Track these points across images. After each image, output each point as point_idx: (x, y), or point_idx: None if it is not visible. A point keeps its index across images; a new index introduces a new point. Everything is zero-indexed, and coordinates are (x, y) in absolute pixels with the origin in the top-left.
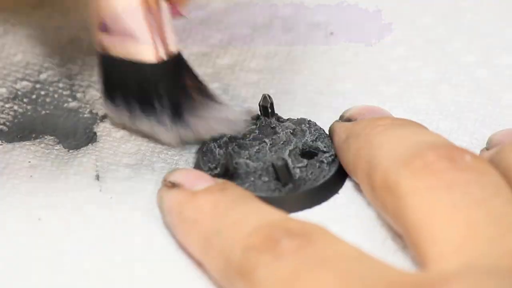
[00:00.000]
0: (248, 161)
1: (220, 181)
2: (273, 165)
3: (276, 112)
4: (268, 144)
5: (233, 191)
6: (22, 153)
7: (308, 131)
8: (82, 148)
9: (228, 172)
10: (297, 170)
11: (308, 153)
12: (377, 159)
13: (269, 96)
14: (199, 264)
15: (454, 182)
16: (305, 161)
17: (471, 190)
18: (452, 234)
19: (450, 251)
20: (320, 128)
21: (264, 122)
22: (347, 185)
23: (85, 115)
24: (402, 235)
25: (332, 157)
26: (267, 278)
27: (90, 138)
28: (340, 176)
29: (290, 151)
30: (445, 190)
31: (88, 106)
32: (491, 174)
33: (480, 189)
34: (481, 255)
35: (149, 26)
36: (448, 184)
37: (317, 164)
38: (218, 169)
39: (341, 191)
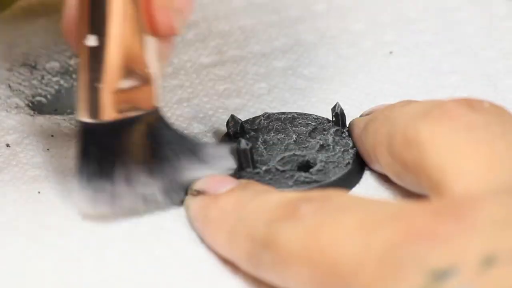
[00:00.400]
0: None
1: (244, 181)
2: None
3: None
4: (292, 140)
5: (254, 186)
6: (49, 126)
7: (333, 150)
8: None
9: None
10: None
11: (306, 165)
12: (396, 126)
13: (338, 106)
14: (227, 262)
15: (474, 123)
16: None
17: (491, 128)
18: (475, 167)
19: (473, 181)
20: (352, 159)
21: (324, 126)
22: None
23: None
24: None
25: (307, 179)
26: (290, 241)
27: None
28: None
29: (295, 156)
30: (465, 130)
31: None
32: (510, 115)
33: (500, 125)
34: (506, 181)
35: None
36: (468, 126)
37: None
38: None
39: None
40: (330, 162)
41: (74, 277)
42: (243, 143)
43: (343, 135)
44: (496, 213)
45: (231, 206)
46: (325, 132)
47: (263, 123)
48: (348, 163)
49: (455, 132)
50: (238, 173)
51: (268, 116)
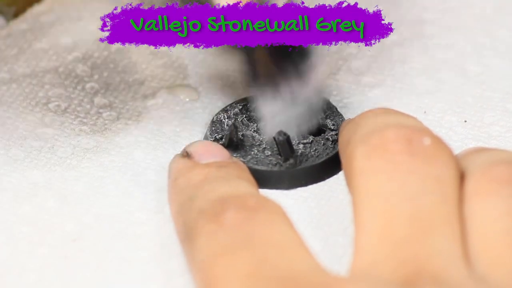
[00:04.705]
0: (254, 133)
1: (230, 159)
2: (274, 139)
3: None
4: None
5: (229, 170)
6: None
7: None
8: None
9: (232, 143)
10: (301, 146)
11: (317, 130)
12: (352, 137)
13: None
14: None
15: (400, 168)
16: (311, 138)
17: (410, 182)
18: (372, 229)
19: (365, 246)
20: (333, 106)
21: None
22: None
23: None
24: None
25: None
26: (203, 248)
27: None
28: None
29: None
30: (388, 176)
31: None
32: (441, 163)
33: (420, 181)
34: (383, 259)
35: None
36: (393, 169)
37: (322, 142)
38: (224, 140)
39: (342, 172)
40: (330, 115)
41: None
42: (277, 133)
43: None
44: None
45: (196, 181)
46: None
47: (230, 123)
48: (337, 109)
49: (380, 174)
50: (282, 164)
51: (228, 116)
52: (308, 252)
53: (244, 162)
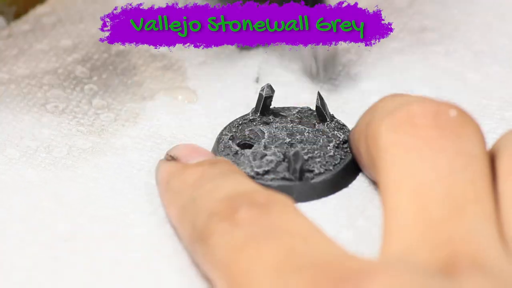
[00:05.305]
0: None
1: (215, 157)
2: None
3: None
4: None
5: (222, 166)
6: (195, 50)
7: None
8: (253, 49)
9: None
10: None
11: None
12: (374, 117)
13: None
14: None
15: (430, 144)
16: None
17: (441, 159)
18: (405, 211)
19: (398, 229)
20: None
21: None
22: (359, 178)
23: None
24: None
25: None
26: (220, 246)
27: None
28: (352, 170)
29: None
30: (418, 154)
31: None
32: (469, 133)
33: (451, 159)
34: (418, 243)
35: None
36: (423, 146)
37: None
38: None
39: (351, 185)
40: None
41: None
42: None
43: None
44: None
45: (192, 181)
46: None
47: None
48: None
49: (410, 150)
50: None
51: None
52: (331, 240)
53: None
